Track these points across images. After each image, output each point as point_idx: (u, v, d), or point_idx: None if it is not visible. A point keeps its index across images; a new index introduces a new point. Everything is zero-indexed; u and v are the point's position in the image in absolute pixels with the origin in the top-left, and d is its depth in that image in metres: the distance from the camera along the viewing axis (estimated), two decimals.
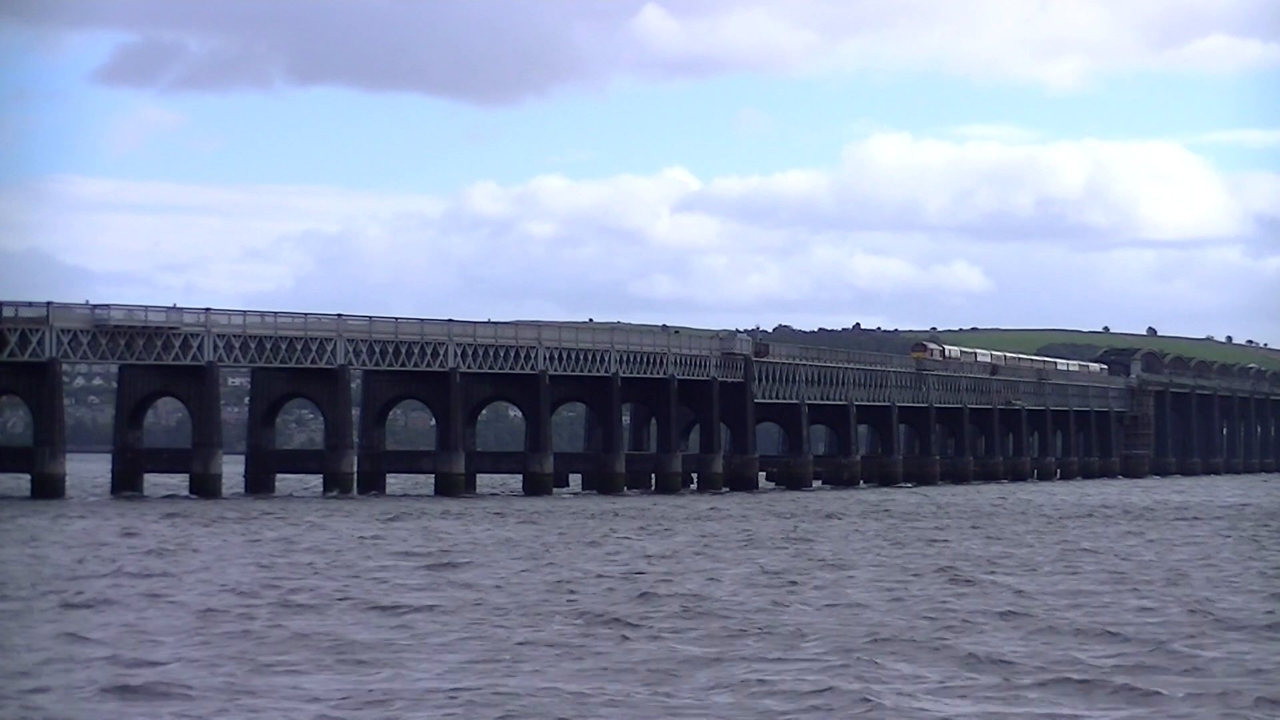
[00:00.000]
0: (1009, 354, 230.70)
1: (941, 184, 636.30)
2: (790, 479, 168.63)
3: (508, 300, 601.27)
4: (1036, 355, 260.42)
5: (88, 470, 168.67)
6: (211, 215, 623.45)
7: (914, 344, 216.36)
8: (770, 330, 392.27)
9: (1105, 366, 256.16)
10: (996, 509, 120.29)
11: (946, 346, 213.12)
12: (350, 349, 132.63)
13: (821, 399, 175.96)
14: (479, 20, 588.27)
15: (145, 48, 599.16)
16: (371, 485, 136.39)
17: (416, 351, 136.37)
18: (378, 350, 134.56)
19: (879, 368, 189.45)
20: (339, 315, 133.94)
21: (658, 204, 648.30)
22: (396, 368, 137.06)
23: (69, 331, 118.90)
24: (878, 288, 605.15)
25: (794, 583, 55.03)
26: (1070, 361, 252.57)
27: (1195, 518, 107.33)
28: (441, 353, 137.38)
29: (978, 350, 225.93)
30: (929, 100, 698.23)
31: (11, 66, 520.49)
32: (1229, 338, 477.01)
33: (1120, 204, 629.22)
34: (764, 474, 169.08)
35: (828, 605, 47.99)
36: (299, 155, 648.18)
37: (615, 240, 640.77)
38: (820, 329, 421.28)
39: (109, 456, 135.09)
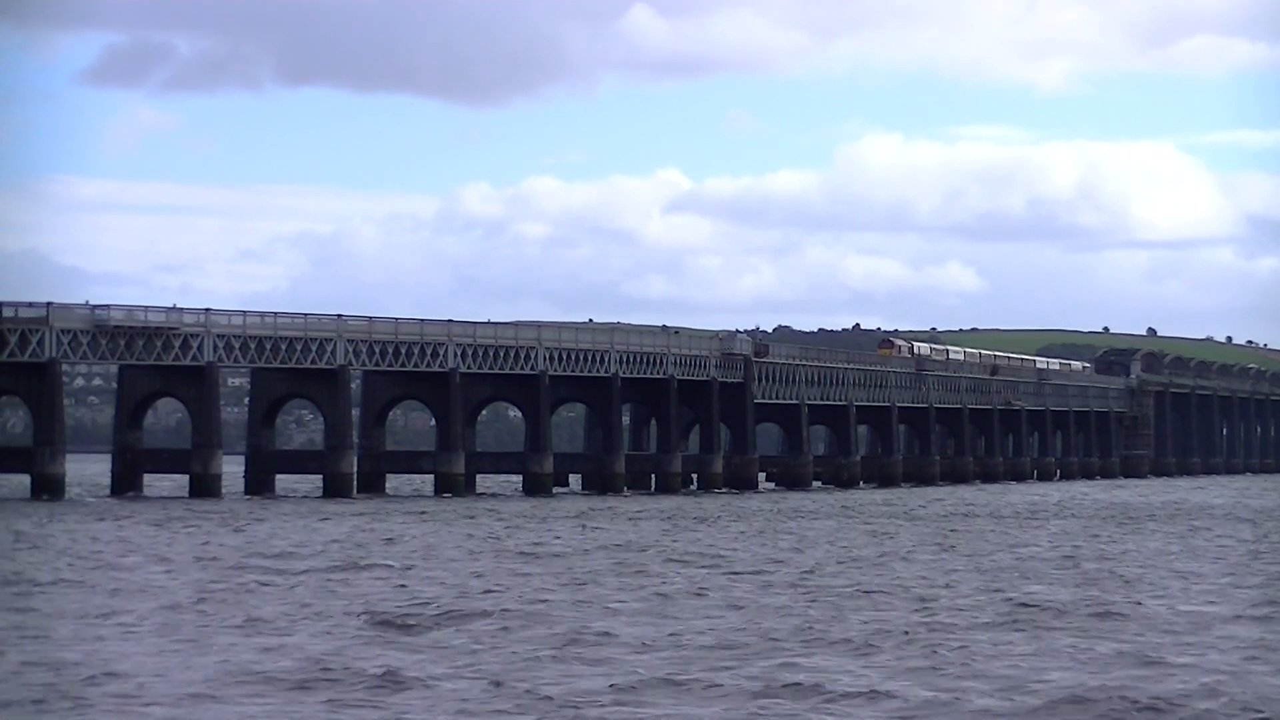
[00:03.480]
0: (984, 351, 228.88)
1: (933, 184, 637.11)
2: (790, 479, 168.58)
3: (502, 301, 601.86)
4: (1035, 355, 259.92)
5: (88, 470, 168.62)
6: (206, 216, 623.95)
7: (880, 341, 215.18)
8: (770, 330, 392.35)
9: (1089, 365, 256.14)
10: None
11: (916, 344, 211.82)
12: (350, 349, 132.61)
13: (821, 399, 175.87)
14: (467, 21, 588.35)
15: (134, 48, 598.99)
16: (371, 486, 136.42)
17: (416, 352, 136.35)
18: (377, 351, 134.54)
19: (879, 368, 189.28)
20: (339, 316, 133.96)
21: (650, 205, 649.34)
22: (396, 368, 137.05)
23: (69, 332, 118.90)
24: (872, 288, 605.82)
25: None
26: (1054, 360, 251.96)
27: None
28: (441, 353, 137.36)
29: (950, 347, 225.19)
30: (920, 101, 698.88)
31: (0, 68, 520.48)
32: (1229, 338, 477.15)
33: (1112, 204, 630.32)
34: (763, 474, 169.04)
35: None
36: (292, 156, 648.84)
37: (609, 241, 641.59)
38: (820, 329, 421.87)
39: (109, 457, 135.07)
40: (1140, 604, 49.04)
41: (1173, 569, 62.29)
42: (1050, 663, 36.84)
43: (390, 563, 62.62)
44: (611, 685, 33.54)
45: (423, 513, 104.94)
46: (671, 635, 40.78)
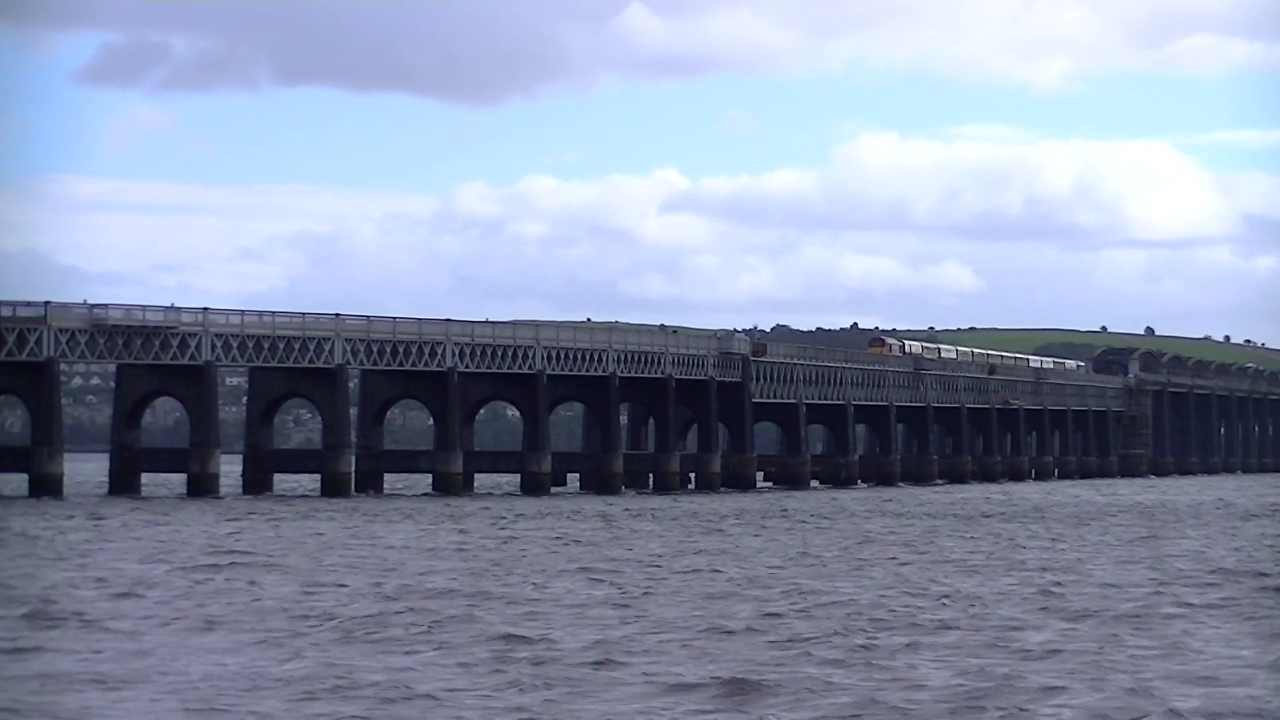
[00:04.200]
0: (977, 350, 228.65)
1: (930, 184, 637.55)
2: (788, 479, 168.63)
3: (500, 300, 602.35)
4: (1033, 355, 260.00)
5: (86, 470, 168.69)
6: (204, 215, 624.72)
7: (871, 339, 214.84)
8: (768, 330, 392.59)
9: (1083, 364, 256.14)
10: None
11: (907, 342, 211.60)
12: (348, 348, 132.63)
13: (819, 398, 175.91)
14: (465, 20, 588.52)
15: (130, 48, 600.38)
16: (369, 485, 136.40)
17: (414, 351, 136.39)
18: (375, 350, 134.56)
19: (877, 367, 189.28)
20: (337, 315, 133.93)
21: (648, 204, 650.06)
22: (394, 367, 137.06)
23: (67, 331, 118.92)
24: (869, 287, 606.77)
25: None
26: (1048, 359, 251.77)
27: None
28: (439, 352, 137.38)
29: (942, 346, 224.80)
30: (917, 100, 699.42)
31: None
32: (1227, 337, 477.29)
33: (1109, 204, 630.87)
34: (761, 474, 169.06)
35: None
36: (289, 155, 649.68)
37: (606, 240, 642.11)
38: (818, 329, 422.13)
39: (107, 456, 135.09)
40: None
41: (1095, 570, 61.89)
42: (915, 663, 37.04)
43: (278, 560, 63.00)
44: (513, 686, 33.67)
45: (401, 510, 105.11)
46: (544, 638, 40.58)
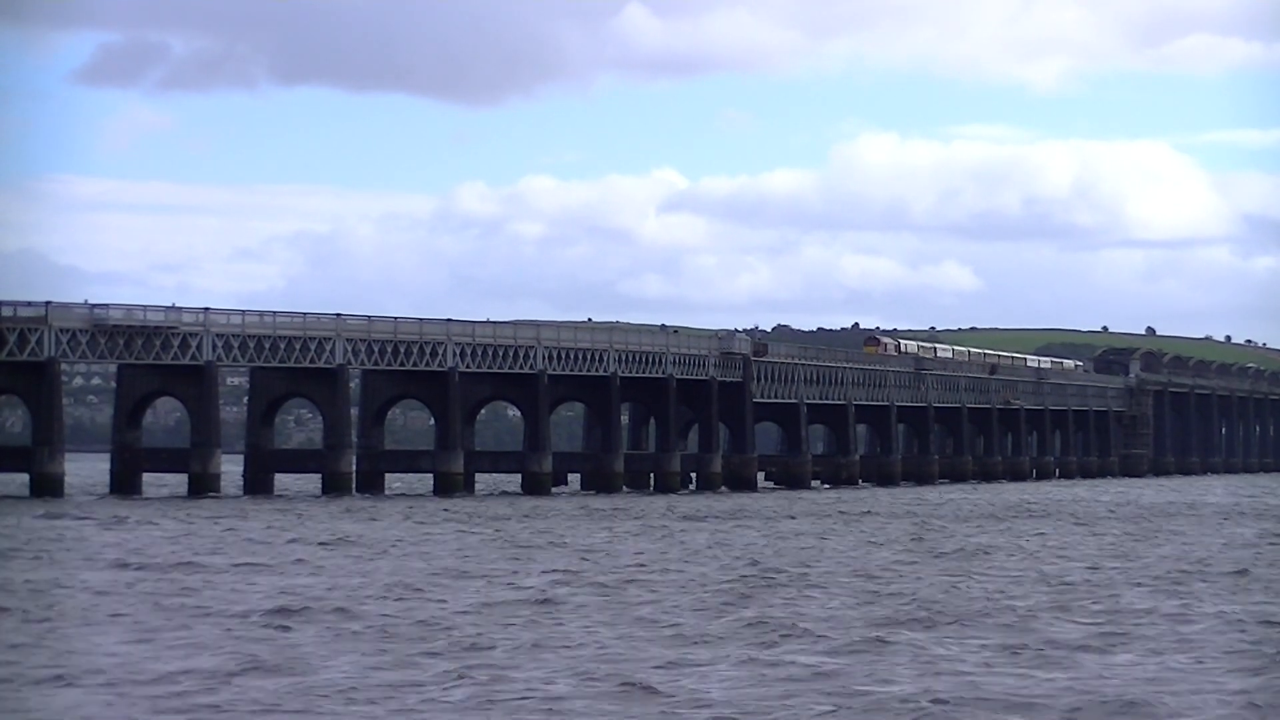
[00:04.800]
0: (973, 350, 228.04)
1: (929, 184, 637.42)
2: (789, 479, 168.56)
3: (499, 300, 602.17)
4: (1033, 355, 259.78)
5: (87, 470, 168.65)
6: (203, 215, 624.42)
7: (866, 339, 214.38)
8: (769, 330, 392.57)
9: (1081, 364, 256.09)
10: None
11: (903, 341, 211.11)
12: (349, 348, 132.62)
13: (820, 398, 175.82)
14: (463, 20, 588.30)
15: (129, 48, 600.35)
16: (370, 485, 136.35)
17: (415, 351, 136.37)
18: (376, 350, 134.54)
19: (878, 367, 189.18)
20: (338, 315, 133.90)
21: (646, 204, 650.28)
22: (395, 367, 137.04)
23: (68, 331, 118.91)
24: (869, 287, 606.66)
25: None
26: (1045, 359, 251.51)
27: None
28: (440, 352, 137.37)
29: (937, 345, 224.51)
30: (916, 100, 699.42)
31: None
32: (1228, 337, 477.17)
33: (1108, 204, 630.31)
34: (762, 474, 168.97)
35: None
36: (288, 155, 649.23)
37: (605, 240, 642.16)
38: (819, 329, 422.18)
39: (108, 456, 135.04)
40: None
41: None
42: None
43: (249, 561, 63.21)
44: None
45: (391, 509, 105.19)
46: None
